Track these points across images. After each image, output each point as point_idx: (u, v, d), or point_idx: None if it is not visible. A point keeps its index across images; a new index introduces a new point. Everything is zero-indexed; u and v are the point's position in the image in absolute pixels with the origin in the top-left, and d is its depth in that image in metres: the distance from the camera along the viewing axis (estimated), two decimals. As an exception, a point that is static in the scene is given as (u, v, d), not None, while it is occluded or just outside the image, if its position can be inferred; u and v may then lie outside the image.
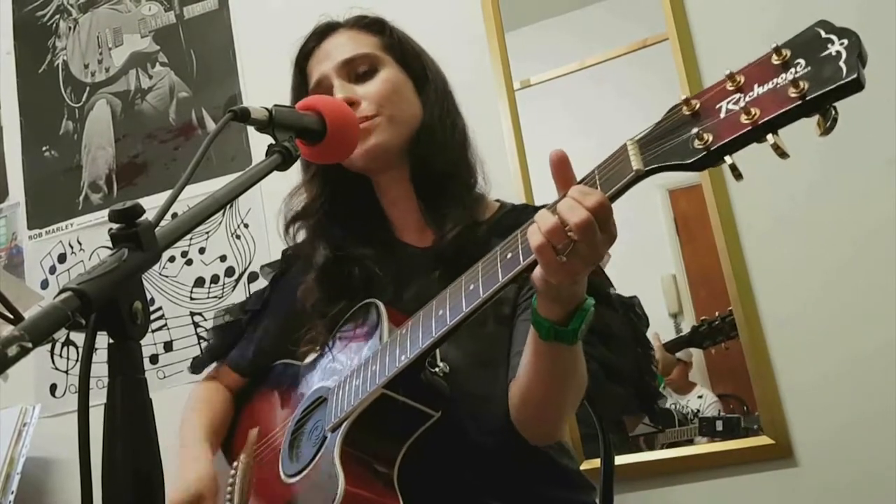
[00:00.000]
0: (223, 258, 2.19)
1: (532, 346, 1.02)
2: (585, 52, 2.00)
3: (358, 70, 1.30)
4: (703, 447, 1.77)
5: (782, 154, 0.74)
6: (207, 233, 2.21)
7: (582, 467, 1.68)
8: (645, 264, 1.89)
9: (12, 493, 1.91)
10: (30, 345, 0.56)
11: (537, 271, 0.90)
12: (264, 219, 2.13)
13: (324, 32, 1.35)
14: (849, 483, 1.61)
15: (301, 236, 1.39)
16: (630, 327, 1.25)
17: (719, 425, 1.78)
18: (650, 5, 1.89)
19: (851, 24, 0.73)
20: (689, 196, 1.88)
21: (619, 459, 1.53)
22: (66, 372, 2.27)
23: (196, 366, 1.52)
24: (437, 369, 1.09)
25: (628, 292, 1.29)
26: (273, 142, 0.92)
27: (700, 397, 1.89)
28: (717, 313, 1.80)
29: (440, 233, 1.25)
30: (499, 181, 1.43)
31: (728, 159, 0.77)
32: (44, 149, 2.44)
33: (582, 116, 2.03)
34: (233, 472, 1.31)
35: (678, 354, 1.90)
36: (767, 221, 1.74)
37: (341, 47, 1.32)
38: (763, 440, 1.68)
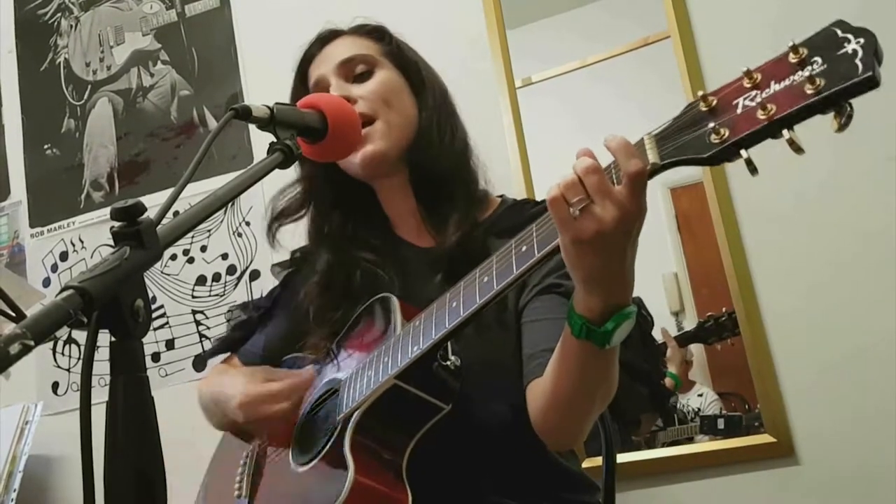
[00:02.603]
0: (225, 256, 2.19)
1: (563, 342, 0.99)
2: (587, 51, 1.99)
3: (356, 70, 1.31)
4: (704, 445, 1.77)
5: (797, 149, 0.75)
6: (209, 231, 2.21)
7: (584, 465, 1.68)
8: (646, 262, 1.87)
9: (14, 490, 1.91)
10: (32, 343, 0.56)
11: (561, 242, 0.87)
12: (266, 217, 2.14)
13: (326, 38, 1.37)
14: (851, 481, 1.61)
15: (283, 235, 1.40)
16: (638, 328, 1.24)
17: (721, 423, 1.78)
18: (652, 3, 1.89)
19: (854, 22, 0.74)
20: (691, 194, 1.88)
21: (621, 458, 1.53)
22: (68, 370, 2.27)
23: (201, 359, 1.53)
24: (448, 362, 1.09)
25: (630, 291, 1.29)
26: (274, 140, 0.92)
27: (700, 395, 1.89)
28: (723, 309, 1.79)
29: (440, 236, 1.25)
30: (500, 179, 1.43)
31: (744, 153, 0.77)
32: (45, 147, 2.44)
33: (583, 114, 2.03)
34: (243, 461, 1.32)
35: (681, 352, 1.91)
36: (769, 219, 1.74)
37: (342, 50, 1.33)
38: (765, 438, 1.68)
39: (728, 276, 1.74)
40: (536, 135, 1.92)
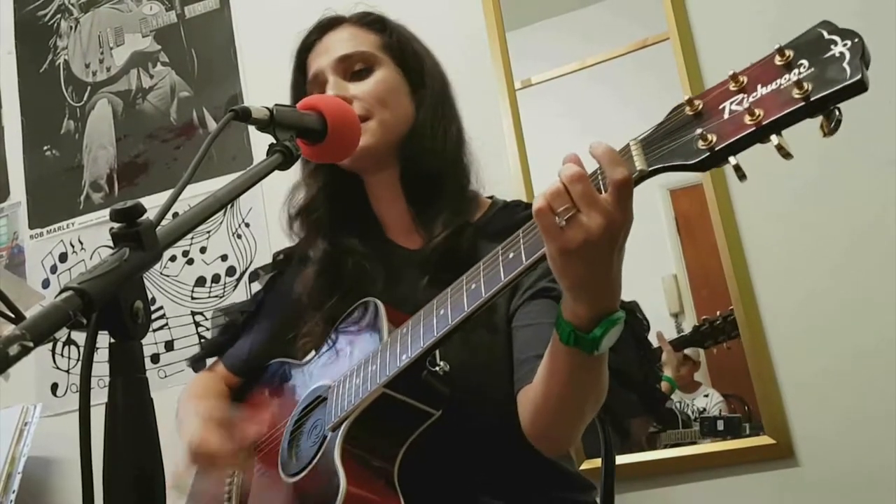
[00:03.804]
0: (224, 257, 2.19)
1: (552, 348, 0.99)
2: (586, 52, 1.99)
3: (354, 68, 1.30)
4: (704, 447, 1.77)
5: (786, 155, 0.73)
6: (209, 232, 2.21)
7: (582, 467, 1.68)
8: (646, 264, 1.89)
9: (13, 492, 1.91)
10: (31, 344, 0.56)
11: (548, 252, 0.87)
12: (265, 218, 2.14)
13: (326, 26, 1.35)
14: (850, 483, 1.61)
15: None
16: (631, 331, 1.24)
17: (720, 425, 1.78)
18: (651, 5, 1.89)
19: (852, 24, 0.73)
20: (690, 196, 1.88)
21: (620, 459, 1.53)
22: (68, 371, 2.27)
23: (194, 362, 1.52)
24: (437, 368, 1.09)
25: (629, 292, 1.28)
26: (274, 141, 0.92)
27: (706, 396, 1.89)
28: (718, 312, 1.80)
29: (428, 236, 1.25)
30: (499, 181, 1.43)
31: (732, 160, 0.76)
32: (45, 148, 2.44)
33: (583, 116, 2.03)
34: (231, 471, 1.31)
35: (687, 352, 1.90)
36: (768, 221, 1.74)
37: (341, 43, 1.32)
38: (764, 440, 1.68)
39: (728, 278, 1.74)
40: (536, 136, 1.92)
